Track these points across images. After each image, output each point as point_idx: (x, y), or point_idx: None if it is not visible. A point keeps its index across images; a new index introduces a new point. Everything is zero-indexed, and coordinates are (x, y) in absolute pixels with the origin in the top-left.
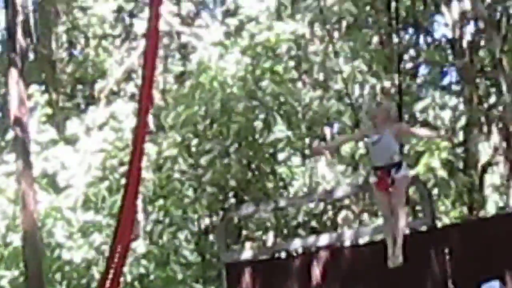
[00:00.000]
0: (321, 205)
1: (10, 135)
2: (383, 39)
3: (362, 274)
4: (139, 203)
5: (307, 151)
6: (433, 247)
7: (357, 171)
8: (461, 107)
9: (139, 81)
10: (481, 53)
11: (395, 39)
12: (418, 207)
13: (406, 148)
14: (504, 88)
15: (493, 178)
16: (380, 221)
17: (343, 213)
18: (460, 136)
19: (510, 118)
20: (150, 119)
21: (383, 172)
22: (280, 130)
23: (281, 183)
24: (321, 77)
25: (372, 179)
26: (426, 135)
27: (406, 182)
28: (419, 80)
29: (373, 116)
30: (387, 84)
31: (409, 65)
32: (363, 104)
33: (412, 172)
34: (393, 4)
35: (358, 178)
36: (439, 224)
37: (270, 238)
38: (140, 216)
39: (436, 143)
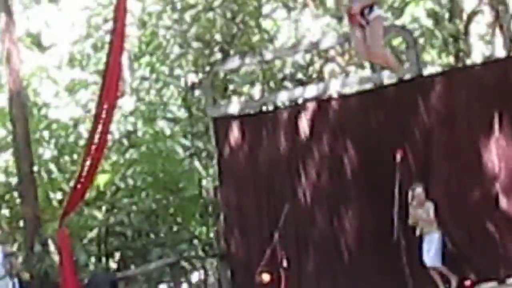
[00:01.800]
0: (307, 57)
1: None
2: None
3: (349, 124)
4: (125, 60)
5: (291, 4)
6: (419, 95)
7: (342, 23)
8: None
9: None
10: None
11: None
12: (404, 57)
13: None
14: None
15: (478, 27)
16: (367, 72)
17: (329, 66)
18: None
19: None
20: None
21: (356, 14)
22: None
23: (266, 36)
24: None
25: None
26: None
27: (380, 22)
28: None
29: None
30: None
31: None
32: None
33: (397, 22)
34: None
35: (344, 29)
36: (425, 73)
37: (256, 91)
38: (126, 73)
39: None
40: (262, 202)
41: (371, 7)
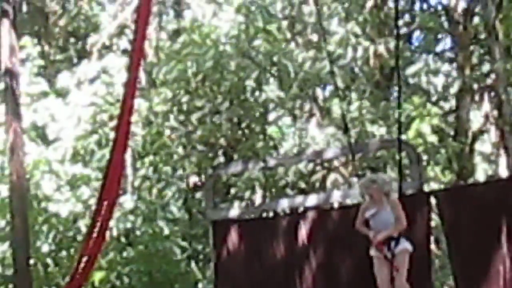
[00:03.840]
0: (310, 166)
1: (0, 85)
2: (378, 2)
3: (349, 236)
4: (128, 158)
5: (297, 112)
6: (419, 211)
7: (347, 133)
8: (454, 73)
9: (131, 36)
10: (476, 20)
11: (390, 3)
12: (407, 172)
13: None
14: (497, 56)
15: (483, 146)
16: None
17: (332, 176)
18: (452, 103)
19: (502, 86)
20: (142, 74)
21: (382, 244)
22: (271, 90)
23: (271, 143)
24: (314, 38)
25: (372, 252)
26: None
27: (406, 255)
28: (412, 47)
29: (367, 191)
30: (380, 48)
31: (403, 31)
32: (355, 66)
33: (402, 137)
34: None
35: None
36: (427, 189)
37: (258, 197)
38: (129, 171)
39: (427, 109)
40: None
41: (398, 239)
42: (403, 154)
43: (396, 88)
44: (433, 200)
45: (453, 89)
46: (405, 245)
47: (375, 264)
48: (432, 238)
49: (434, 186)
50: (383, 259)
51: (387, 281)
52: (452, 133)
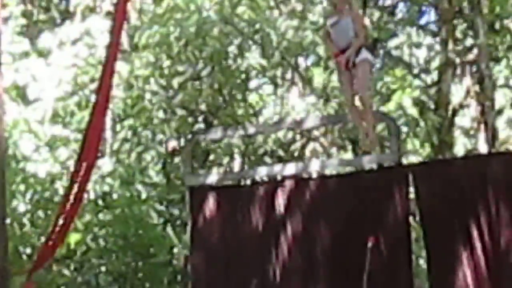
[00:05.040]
0: (290, 134)
1: None
2: None
3: (326, 206)
4: (108, 120)
5: (279, 80)
6: (396, 184)
7: (328, 103)
8: (437, 47)
9: None
10: None
11: None
12: (386, 143)
13: (378, 85)
14: (480, 31)
15: (463, 120)
16: (348, 155)
17: (311, 145)
18: (434, 76)
19: (484, 61)
20: (124, 37)
21: (342, 54)
22: (253, 58)
23: (251, 111)
24: (298, 7)
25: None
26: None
27: (367, 65)
28: (396, 18)
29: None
30: (366, 20)
31: (387, 2)
32: None
33: (383, 108)
34: None
35: (329, 110)
36: (405, 162)
37: (236, 164)
38: (108, 134)
39: (408, 82)
40: (231, 274)
41: (358, 50)
42: (383, 126)
43: (379, 60)
44: (410, 174)
45: (435, 63)
46: (366, 54)
47: (338, 75)
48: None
49: (412, 159)
50: (345, 71)
51: (350, 91)
52: (432, 106)
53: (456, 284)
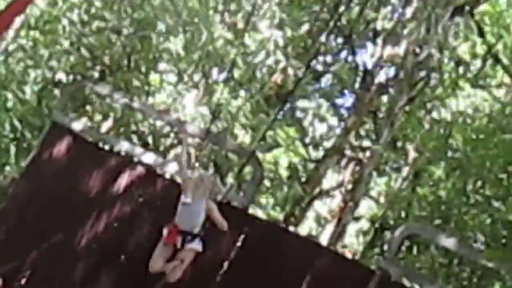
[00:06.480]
0: (167, 129)
1: None
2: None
3: (153, 208)
4: (17, 22)
5: (185, 77)
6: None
7: (215, 121)
8: (338, 131)
9: None
10: None
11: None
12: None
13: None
14: (381, 141)
15: (322, 207)
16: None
17: (178, 149)
18: (319, 154)
19: (369, 168)
20: None
21: (179, 233)
22: (175, 44)
23: (146, 87)
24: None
25: (165, 231)
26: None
27: (192, 255)
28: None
29: (195, 182)
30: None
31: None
32: None
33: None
34: None
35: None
36: None
37: (105, 126)
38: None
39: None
40: (41, 222)
41: (194, 236)
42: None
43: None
44: None
45: (328, 143)
46: (198, 245)
47: (160, 244)
48: None
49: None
50: (170, 245)
51: (163, 260)
52: (303, 179)
53: None
